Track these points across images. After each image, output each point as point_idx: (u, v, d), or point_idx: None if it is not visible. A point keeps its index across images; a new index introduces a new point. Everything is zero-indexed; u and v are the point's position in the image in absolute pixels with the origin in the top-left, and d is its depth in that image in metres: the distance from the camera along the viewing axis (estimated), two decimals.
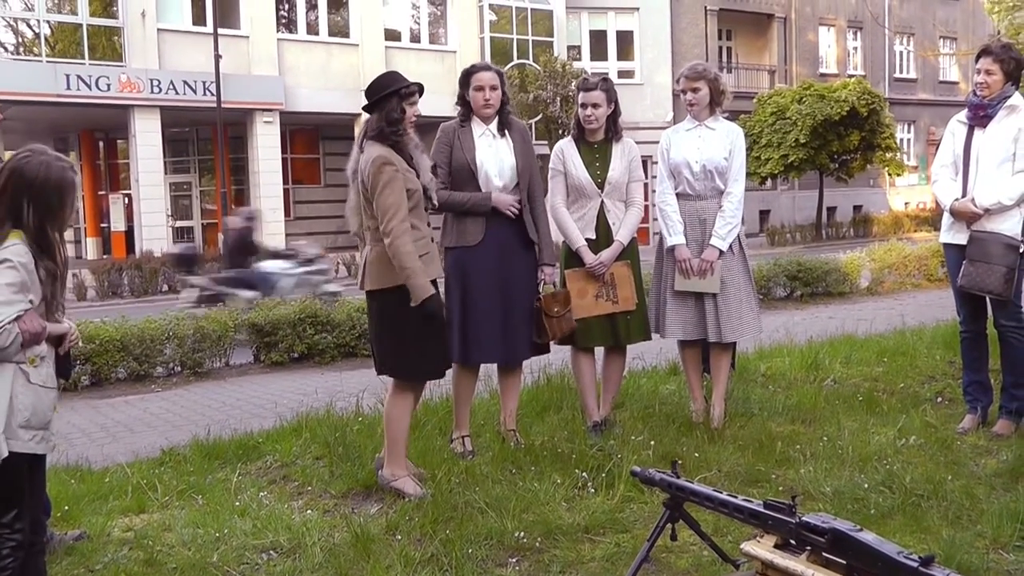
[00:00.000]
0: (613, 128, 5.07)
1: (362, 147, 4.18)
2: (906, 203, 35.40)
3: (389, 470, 4.27)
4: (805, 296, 11.89)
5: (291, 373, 8.36)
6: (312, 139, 26.65)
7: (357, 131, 4.37)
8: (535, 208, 4.85)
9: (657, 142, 5.38)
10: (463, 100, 4.81)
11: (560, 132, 22.75)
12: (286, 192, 24.39)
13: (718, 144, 5.08)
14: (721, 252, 5.03)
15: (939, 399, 5.68)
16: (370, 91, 4.23)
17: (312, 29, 24.50)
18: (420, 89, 4.27)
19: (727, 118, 5.24)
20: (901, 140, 33.56)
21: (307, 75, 23.43)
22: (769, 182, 28.42)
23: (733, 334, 5.10)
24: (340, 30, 24.89)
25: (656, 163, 5.34)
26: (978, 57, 4.93)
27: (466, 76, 4.80)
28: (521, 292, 4.78)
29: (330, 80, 23.16)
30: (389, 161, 4.06)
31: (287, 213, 24.35)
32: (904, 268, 13.19)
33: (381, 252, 4.12)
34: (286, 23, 24.50)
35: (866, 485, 3.95)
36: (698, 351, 5.32)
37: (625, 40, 28.92)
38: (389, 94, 4.17)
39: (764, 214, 30.92)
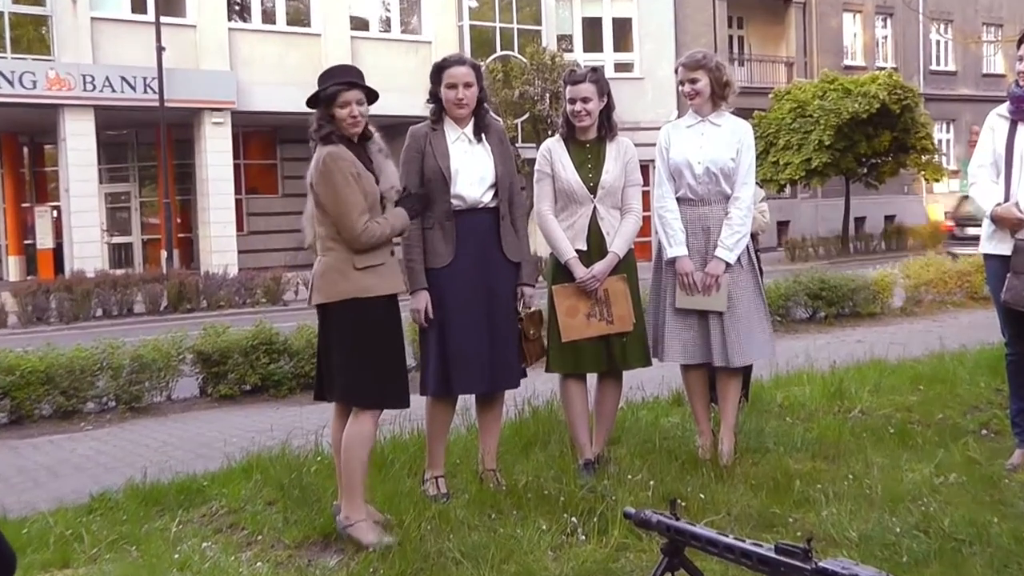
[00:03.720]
0: (607, 125, 5.11)
1: (313, 147, 4.28)
2: (945, 212, 35.64)
3: (344, 513, 4.26)
4: (829, 317, 11.94)
5: (242, 407, 8.33)
6: (268, 143, 26.70)
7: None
8: (516, 220, 4.89)
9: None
10: (435, 98, 4.84)
11: (549, 132, 22.84)
12: (238, 203, 24.37)
13: (723, 142, 5.12)
14: (728, 265, 5.06)
15: (984, 431, 5.70)
16: (318, 85, 4.34)
17: (268, 17, 24.66)
18: (357, 87, 4.28)
19: (737, 116, 5.29)
20: (939, 141, 33.75)
21: (262, 69, 23.50)
22: (788, 189, 28.58)
23: (742, 357, 5.12)
24: (300, 19, 25.04)
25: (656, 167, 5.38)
26: (1020, 43, 4.97)
27: (437, 71, 4.83)
28: (504, 314, 4.81)
29: (289, 75, 23.19)
30: (341, 157, 4.17)
31: (239, 227, 24.34)
32: (943, 285, 13.26)
33: (332, 261, 4.22)
34: (239, 10, 24.62)
35: (898, 529, 3.96)
36: (704, 377, 5.33)
37: (623, 29, 29.14)
38: (316, 95, 4.30)
39: (783, 225, 31.08)
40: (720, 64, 5.21)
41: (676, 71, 5.26)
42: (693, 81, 5.14)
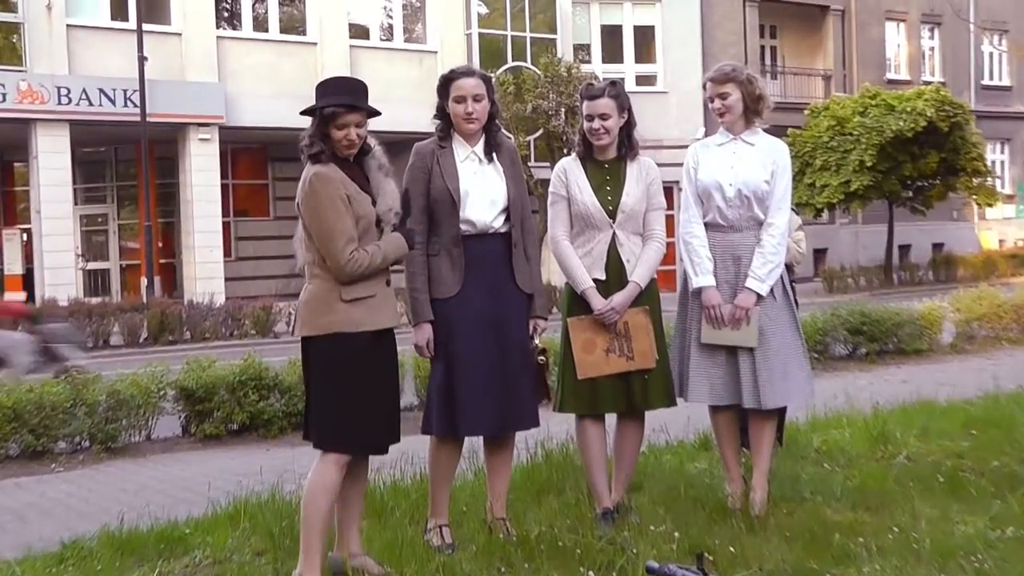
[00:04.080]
0: (627, 144, 5.16)
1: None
2: (1000, 240, 35.59)
3: (298, 570, 4.23)
4: (871, 354, 11.92)
5: (229, 448, 8.34)
6: (259, 161, 26.80)
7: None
8: (528, 247, 4.92)
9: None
10: (442, 113, 4.89)
11: (564, 151, 22.93)
12: (226, 226, 24.42)
13: (757, 163, 5.16)
14: (759, 297, 5.08)
15: None
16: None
17: (260, 25, 24.76)
18: (358, 108, 4.28)
19: (769, 134, 5.33)
20: (992, 162, 33.73)
21: (254, 81, 23.62)
22: (826, 214, 28.62)
23: (775, 398, 5.13)
24: (294, 26, 25.19)
25: (682, 190, 5.41)
26: None
27: (445, 83, 4.87)
28: (516, 348, 4.82)
29: (282, 87, 23.34)
30: (329, 179, 4.18)
31: (227, 252, 24.39)
32: (998, 320, 13.24)
33: (317, 290, 4.24)
34: (228, 17, 24.78)
35: None
36: (734, 420, 5.34)
37: (645, 38, 29.29)
38: (311, 111, 4.30)
39: (820, 254, 31.07)
40: (752, 76, 5.25)
41: (704, 86, 5.31)
42: (723, 96, 5.18)
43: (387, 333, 4.36)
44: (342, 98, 4.25)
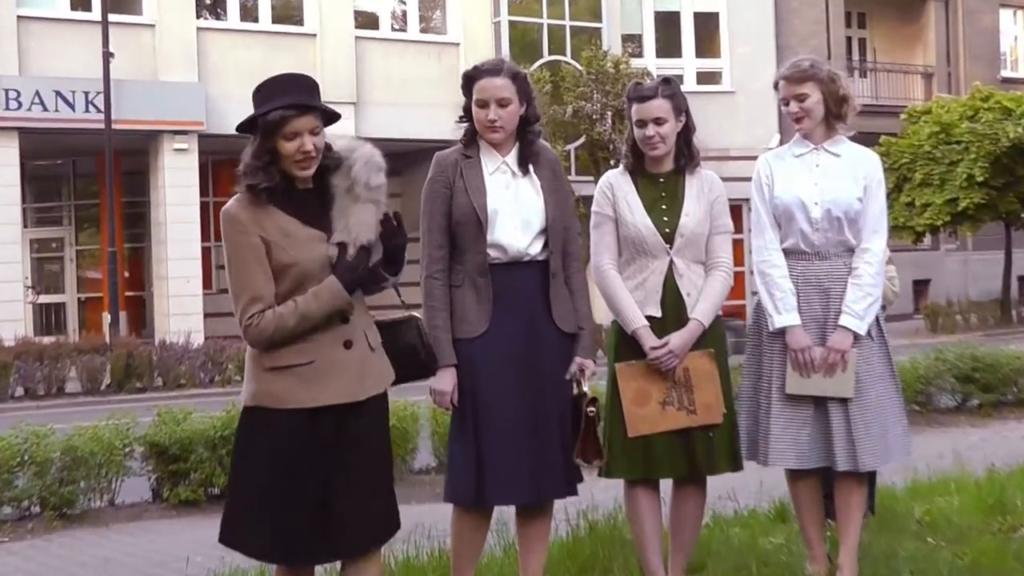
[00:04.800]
0: (686, 153, 5.17)
1: None
2: None
3: None
4: (985, 406, 11.83)
5: (208, 516, 8.28)
6: None
7: None
8: (571, 277, 4.93)
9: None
10: (469, 114, 4.89)
11: (611, 163, 22.94)
12: (206, 252, 24.51)
13: (846, 177, 5.17)
14: (856, 337, 5.08)
15: None
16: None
17: (248, 14, 24.97)
18: (312, 111, 4.03)
19: (856, 142, 5.34)
20: None
21: (241, 80, 23.51)
22: (928, 239, 28.49)
23: (873, 459, 5.11)
24: (289, 15, 25.39)
25: (753, 209, 5.42)
26: None
27: (467, 82, 4.87)
28: (554, 400, 4.82)
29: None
30: (234, 217, 4.01)
31: (207, 283, 24.50)
32: None
33: (249, 351, 4.14)
34: (210, 5, 25.02)
35: None
36: (817, 486, 5.32)
37: (708, 27, 29.40)
38: (248, 123, 4.06)
39: (921, 286, 30.87)
40: (834, 74, 5.23)
41: (776, 85, 5.31)
42: (800, 97, 5.17)
43: (332, 414, 4.05)
44: (288, 98, 3.98)
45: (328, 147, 4.10)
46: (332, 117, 4.12)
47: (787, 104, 5.23)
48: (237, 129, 4.11)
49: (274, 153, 3.98)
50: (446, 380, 4.71)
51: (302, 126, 3.96)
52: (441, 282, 4.74)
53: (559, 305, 4.83)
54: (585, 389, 4.86)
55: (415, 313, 4.55)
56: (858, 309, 5.05)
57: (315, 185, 4.10)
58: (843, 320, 5.06)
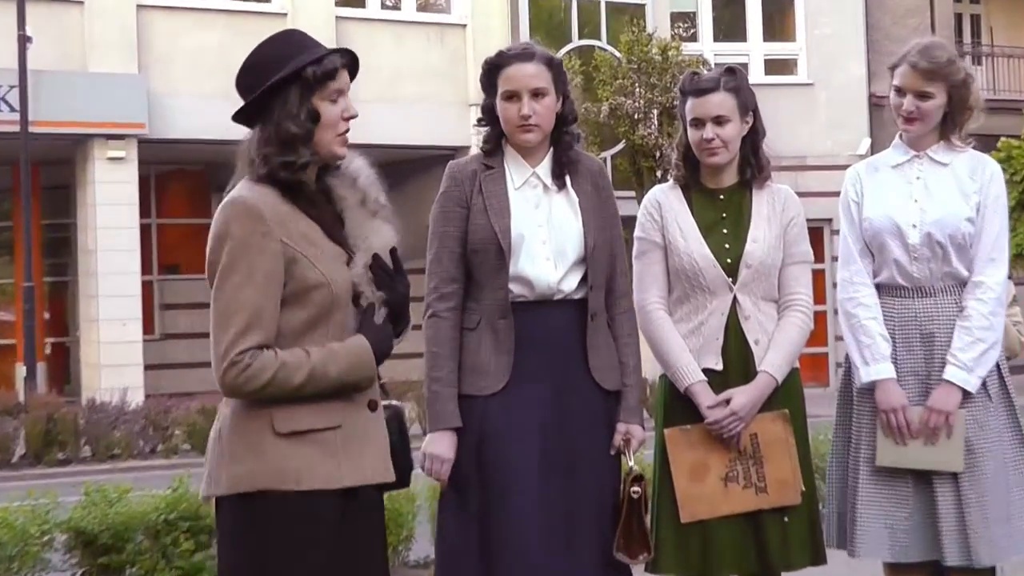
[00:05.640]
0: (753, 163, 5.19)
1: (227, 190, 3.98)
2: None
3: None
4: None
5: None
6: (197, 190, 26.98)
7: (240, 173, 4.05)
8: (616, 320, 4.94)
9: (838, 194, 5.48)
10: (490, 114, 4.92)
11: (657, 174, 22.94)
12: (147, 288, 24.62)
13: (954, 192, 5.17)
14: (966, 394, 5.06)
15: None
16: (246, 78, 4.00)
17: None
18: (349, 63, 4.01)
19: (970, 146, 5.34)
20: None
21: (191, 72, 23.70)
22: None
23: (993, 552, 5.08)
24: None
25: (838, 231, 5.44)
26: None
27: (490, 73, 4.88)
28: (590, 479, 4.80)
29: (232, 79, 23.59)
30: (253, 210, 3.80)
31: (147, 327, 24.61)
32: None
33: (236, 414, 3.86)
34: None
35: None
36: None
37: (780, 2, 29.43)
38: (280, 82, 3.88)
39: None
40: (970, 77, 5.21)
41: (893, 70, 5.24)
42: (923, 96, 5.13)
43: (361, 497, 3.95)
44: (319, 50, 3.93)
45: None
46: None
47: (900, 95, 5.18)
48: (239, 113, 4.00)
49: (306, 133, 3.87)
50: (444, 443, 4.69)
51: (346, 83, 3.98)
52: (450, 323, 4.75)
53: (598, 355, 4.83)
54: (631, 464, 4.84)
55: (396, 403, 4.27)
56: (967, 359, 5.04)
57: (316, 185, 4.01)
58: (948, 373, 5.04)
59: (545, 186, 4.86)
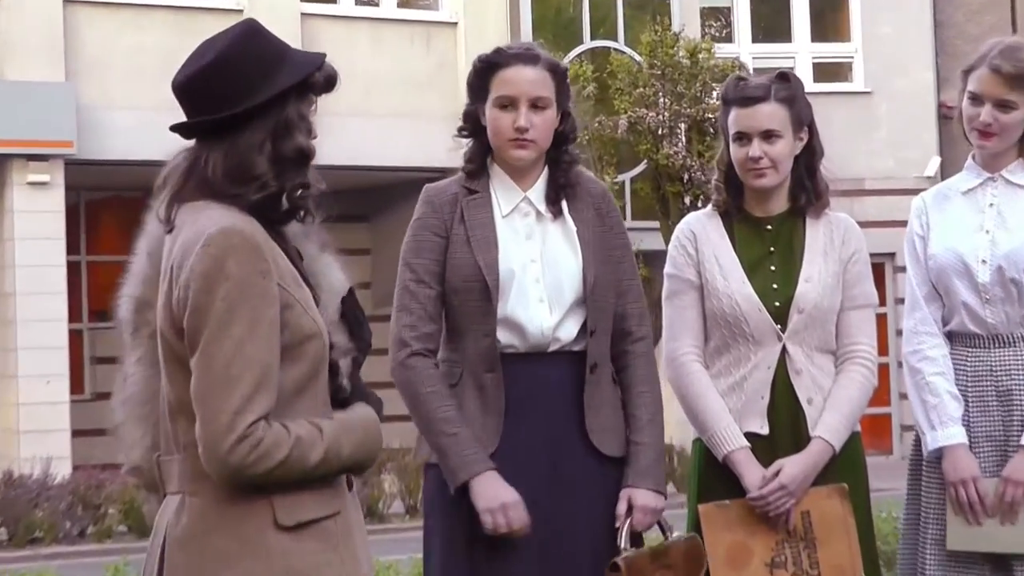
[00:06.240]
0: (808, 187, 5.18)
1: (172, 216, 3.71)
2: None
3: None
4: None
5: None
6: (136, 221, 26.69)
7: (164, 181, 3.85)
8: (628, 368, 4.94)
9: (902, 223, 5.51)
10: (473, 125, 4.93)
11: (686, 200, 22.94)
12: (75, 338, 24.74)
13: None
14: None
15: None
16: (223, 82, 3.76)
17: None
18: (330, 77, 3.85)
19: None
20: None
21: (129, 80, 23.85)
22: None
23: None
24: None
25: (903, 267, 5.41)
26: None
27: (485, 71, 4.90)
28: (584, 554, 4.81)
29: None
30: (255, 245, 3.62)
31: (76, 386, 24.74)
32: None
33: (230, 498, 3.63)
34: None
35: None
36: None
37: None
38: (275, 97, 3.72)
39: None
40: None
41: (967, 75, 5.23)
42: (1004, 105, 5.12)
43: None
44: (305, 60, 3.85)
45: None
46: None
47: (976, 104, 5.15)
48: (229, 119, 3.73)
49: (298, 144, 3.75)
50: (496, 487, 4.64)
51: (312, 101, 3.86)
52: (431, 360, 4.74)
53: (598, 415, 4.85)
54: (622, 545, 4.79)
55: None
56: None
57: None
58: None
59: (538, 213, 4.89)
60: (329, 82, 3.81)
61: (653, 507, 4.85)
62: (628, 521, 4.82)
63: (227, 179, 3.68)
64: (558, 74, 4.87)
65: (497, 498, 4.60)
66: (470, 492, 4.60)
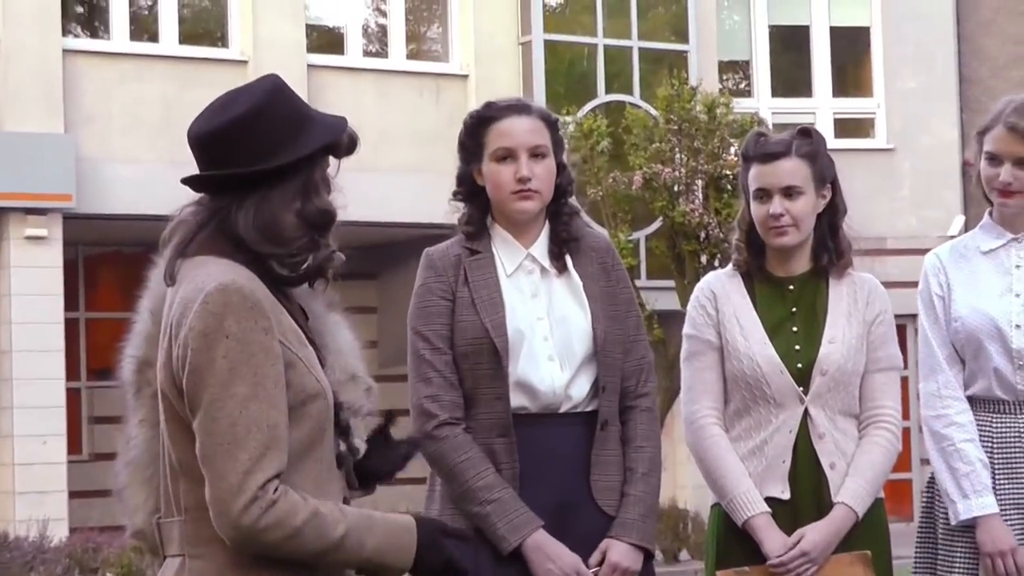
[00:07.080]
0: (831, 246, 5.20)
1: (176, 271, 3.70)
2: None
3: None
4: None
5: None
6: (136, 277, 26.66)
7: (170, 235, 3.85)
8: (630, 422, 4.95)
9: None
10: (469, 187, 4.97)
11: (703, 260, 22.92)
12: (72, 397, 24.74)
13: None
14: None
15: None
16: (252, 137, 3.76)
17: (143, 30, 25.27)
18: (353, 140, 3.89)
19: None
20: None
21: (130, 131, 23.85)
22: None
23: None
24: (206, 32, 25.88)
25: (922, 333, 5.44)
26: None
27: (477, 127, 4.95)
28: None
29: (180, 141, 23.57)
30: (257, 302, 3.60)
31: (74, 446, 24.70)
32: None
33: (205, 573, 3.61)
34: (84, 17, 25.44)
35: None
36: None
37: (854, 50, 29.69)
38: (305, 157, 3.73)
39: None
40: None
41: (983, 135, 5.26)
42: (1022, 163, 5.14)
43: None
44: (334, 122, 3.86)
45: None
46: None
47: (995, 164, 5.17)
48: (260, 174, 3.72)
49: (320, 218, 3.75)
50: (549, 545, 4.67)
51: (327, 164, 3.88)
52: (459, 427, 4.73)
53: (605, 472, 4.88)
54: None
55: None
56: None
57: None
58: None
59: (543, 269, 4.93)
60: (352, 145, 3.80)
61: (625, 567, 4.84)
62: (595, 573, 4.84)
63: (259, 235, 3.66)
64: (551, 123, 4.95)
65: (559, 561, 4.66)
66: (524, 554, 4.64)
